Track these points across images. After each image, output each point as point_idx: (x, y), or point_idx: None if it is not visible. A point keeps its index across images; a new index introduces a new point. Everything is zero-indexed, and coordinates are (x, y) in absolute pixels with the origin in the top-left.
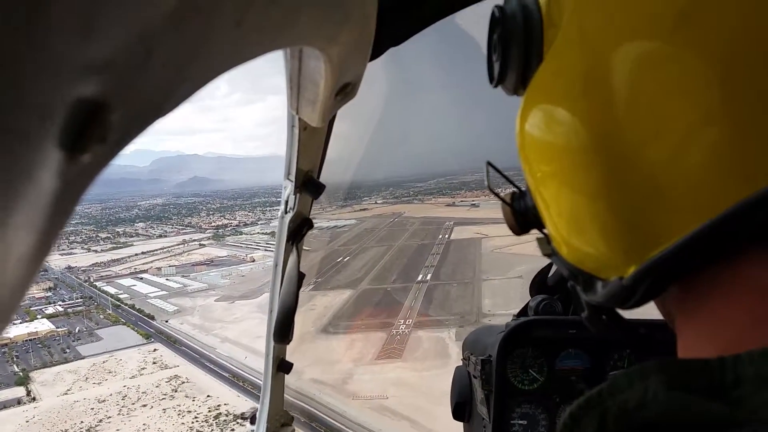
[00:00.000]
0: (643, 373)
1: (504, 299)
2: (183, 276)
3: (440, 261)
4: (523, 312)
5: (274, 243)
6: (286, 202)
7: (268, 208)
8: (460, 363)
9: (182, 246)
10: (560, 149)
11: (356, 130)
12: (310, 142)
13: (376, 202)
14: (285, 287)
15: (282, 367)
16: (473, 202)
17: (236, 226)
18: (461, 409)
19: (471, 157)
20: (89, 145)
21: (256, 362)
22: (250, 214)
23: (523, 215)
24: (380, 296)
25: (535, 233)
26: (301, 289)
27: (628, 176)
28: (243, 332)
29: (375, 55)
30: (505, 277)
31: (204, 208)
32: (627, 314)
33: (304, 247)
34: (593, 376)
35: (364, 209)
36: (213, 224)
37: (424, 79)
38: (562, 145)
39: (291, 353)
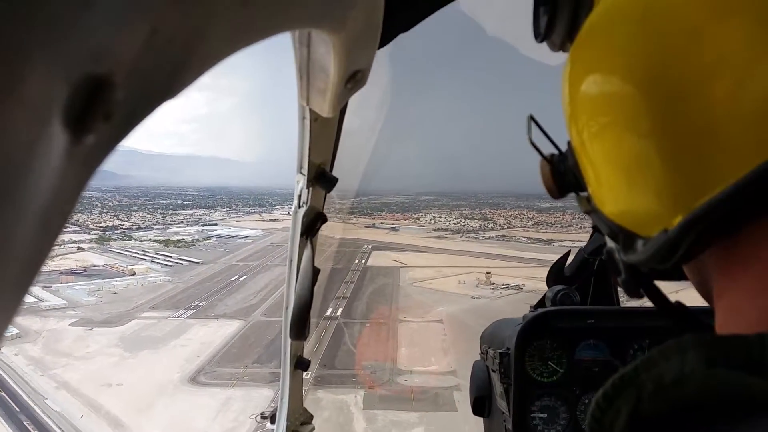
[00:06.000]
0: (680, 347)
1: (423, 350)
2: (44, 287)
3: (354, 292)
4: (541, 303)
5: (163, 253)
6: (299, 197)
7: (169, 212)
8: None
9: (57, 248)
10: (618, 96)
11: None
12: (322, 133)
13: (288, 213)
14: (300, 283)
15: (300, 364)
16: (393, 226)
17: (128, 229)
18: (481, 404)
19: (394, 176)
20: (94, 123)
21: (93, 423)
22: (148, 216)
23: (562, 176)
24: (276, 333)
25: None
26: (172, 316)
27: (686, 113)
28: (90, 375)
29: (384, 41)
30: (424, 320)
31: (99, 204)
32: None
33: (194, 260)
34: (613, 367)
35: (275, 219)
36: (102, 225)
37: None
38: (619, 91)
39: (141, 411)
